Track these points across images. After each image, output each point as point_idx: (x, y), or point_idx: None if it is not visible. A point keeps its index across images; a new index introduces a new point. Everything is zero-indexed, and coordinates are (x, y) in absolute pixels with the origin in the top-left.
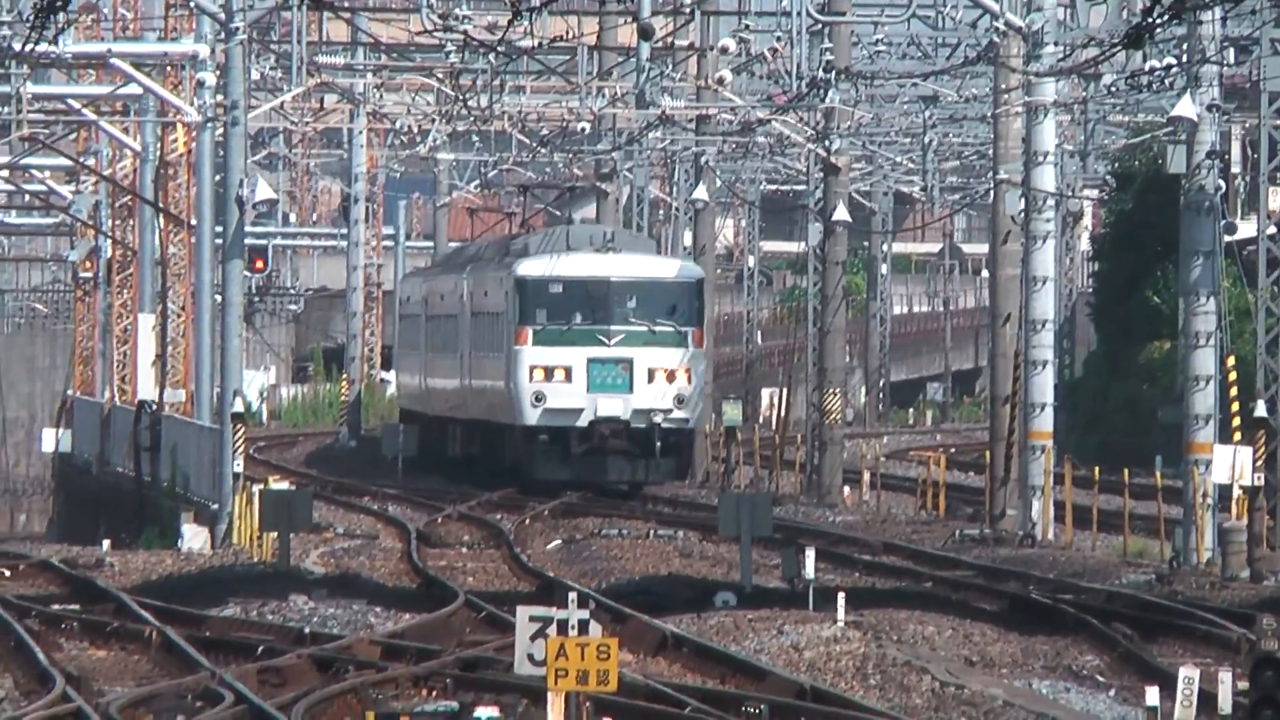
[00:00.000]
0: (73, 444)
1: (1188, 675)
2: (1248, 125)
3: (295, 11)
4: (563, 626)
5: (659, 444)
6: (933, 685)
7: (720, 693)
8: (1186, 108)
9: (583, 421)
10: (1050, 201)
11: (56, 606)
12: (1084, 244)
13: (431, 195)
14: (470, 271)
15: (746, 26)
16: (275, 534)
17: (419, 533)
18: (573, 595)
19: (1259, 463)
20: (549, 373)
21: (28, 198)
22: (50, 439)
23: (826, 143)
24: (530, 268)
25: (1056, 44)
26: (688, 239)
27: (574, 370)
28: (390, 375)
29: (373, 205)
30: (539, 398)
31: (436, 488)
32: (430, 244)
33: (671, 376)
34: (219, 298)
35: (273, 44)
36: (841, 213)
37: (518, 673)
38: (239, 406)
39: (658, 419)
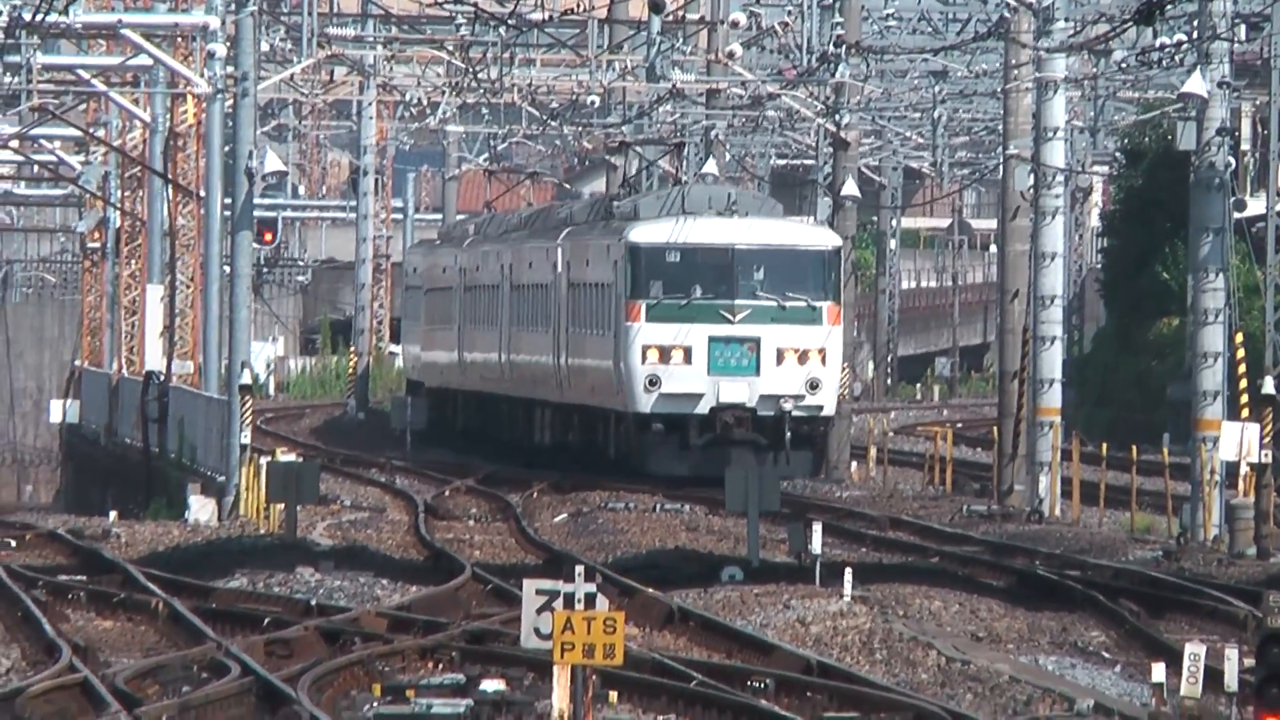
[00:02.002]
0: (80, 415)
1: (1194, 652)
2: (1258, 102)
3: None
4: (569, 600)
5: (789, 434)
6: (939, 660)
7: (726, 667)
8: (1197, 84)
9: (703, 408)
10: (1060, 177)
11: (63, 577)
12: (1093, 220)
13: (440, 168)
14: (528, 240)
15: (757, 1)
16: (282, 506)
17: (427, 505)
18: (579, 569)
19: (1266, 439)
20: (664, 353)
21: (37, 168)
22: (58, 410)
23: (836, 117)
24: (644, 233)
25: (1067, 20)
26: None
27: (693, 350)
28: (398, 348)
29: (382, 177)
30: (653, 381)
31: (445, 460)
32: (439, 216)
33: (804, 358)
34: (227, 269)
35: (283, 15)
36: (851, 187)
37: (524, 646)
38: (246, 378)
39: (788, 406)
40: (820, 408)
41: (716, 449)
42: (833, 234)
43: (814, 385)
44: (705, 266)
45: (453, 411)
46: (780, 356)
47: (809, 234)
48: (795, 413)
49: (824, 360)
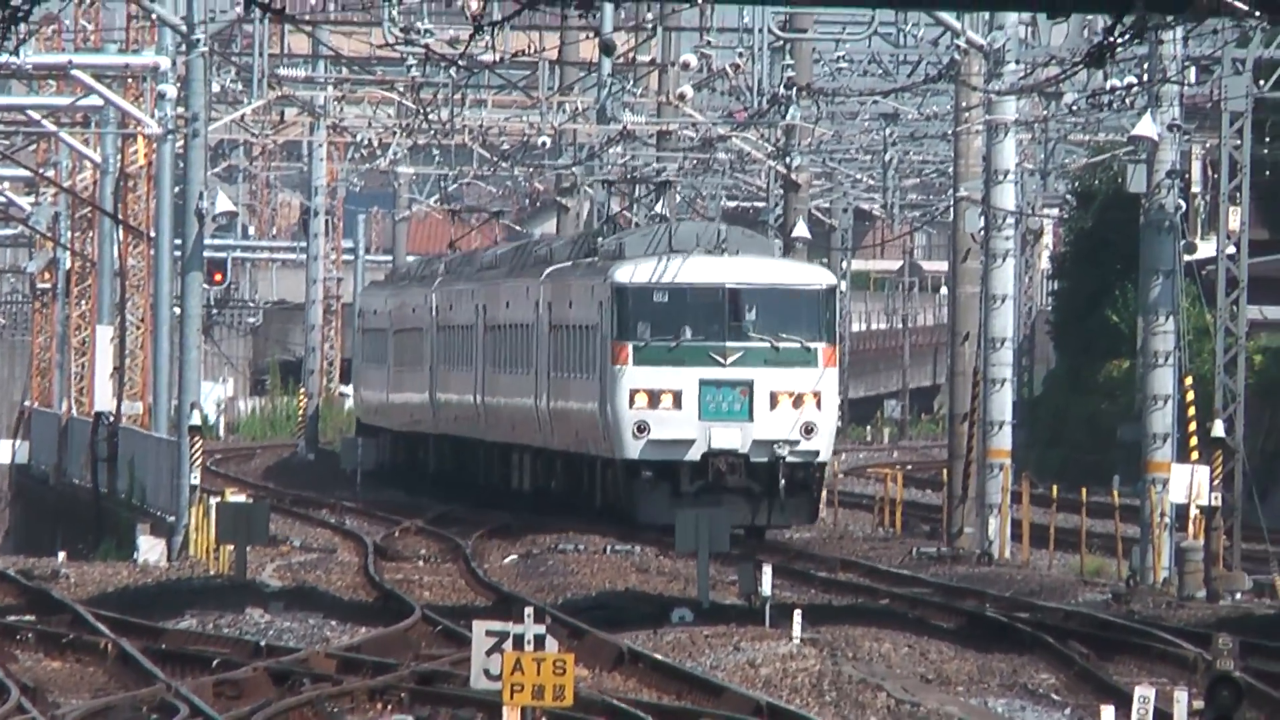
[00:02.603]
0: (30, 455)
1: (1143, 694)
2: (1208, 145)
3: (256, 24)
4: (519, 641)
5: (784, 481)
6: (888, 703)
7: (676, 709)
8: (1147, 127)
9: (694, 455)
10: (1010, 219)
11: (12, 618)
12: (1044, 262)
13: (391, 209)
14: (519, 277)
15: (708, 43)
16: (232, 546)
17: (376, 546)
18: (529, 610)
19: (1216, 482)
20: (654, 397)
21: None
22: (7, 450)
23: (787, 159)
24: (631, 273)
25: (1018, 62)
26: None
27: (684, 395)
28: (348, 389)
29: (332, 218)
30: (642, 427)
31: (394, 501)
32: (389, 257)
33: (799, 402)
34: (177, 310)
35: (234, 56)
36: (801, 229)
37: (474, 687)
38: (196, 419)
39: (783, 452)
40: (815, 453)
41: (708, 497)
42: (827, 273)
43: (809, 430)
44: (695, 307)
45: (424, 455)
46: (774, 400)
47: (802, 272)
48: (790, 459)
49: (819, 404)
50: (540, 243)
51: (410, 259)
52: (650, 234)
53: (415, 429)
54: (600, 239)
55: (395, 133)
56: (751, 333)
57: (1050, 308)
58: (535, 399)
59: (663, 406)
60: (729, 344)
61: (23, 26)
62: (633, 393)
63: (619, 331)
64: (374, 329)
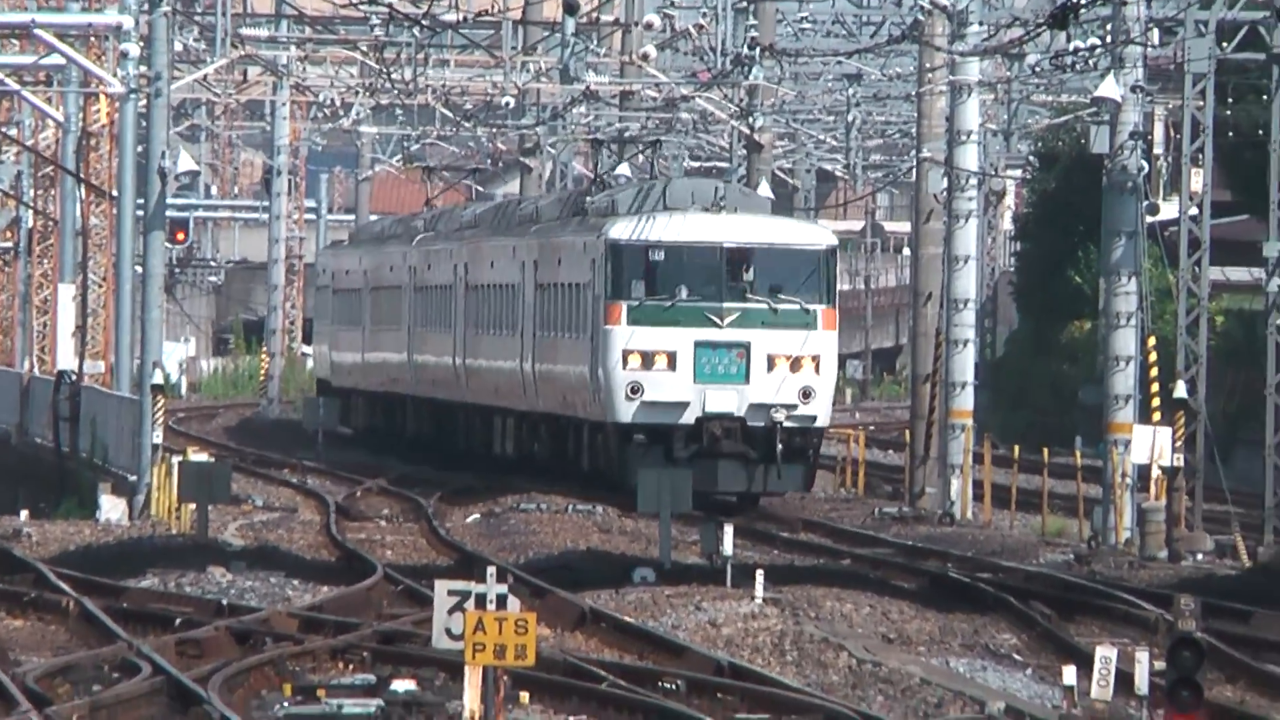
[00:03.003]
0: None
1: (1105, 655)
2: (1171, 106)
3: None
4: (481, 601)
5: (781, 447)
6: (850, 662)
7: (638, 668)
8: (1110, 88)
9: (688, 418)
10: (973, 180)
11: None
12: (1006, 223)
13: (354, 169)
14: (506, 234)
15: (671, 3)
16: (194, 506)
17: (338, 506)
18: (491, 569)
19: (1178, 443)
20: (647, 359)
21: None
22: None
23: (750, 120)
24: (624, 230)
25: (981, 23)
26: None
27: (678, 356)
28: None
29: (295, 178)
30: (635, 389)
31: (356, 461)
32: (352, 217)
33: (797, 365)
34: (140, 269)
35: (197, 15)
36: (764, 189)
37: (435, 646)
38: (158, 378)
39: (779, 416)
40: (814, 418)
41: (703, 462)
42: (827, 232)
43: (807, 394)
44: (691, 266)
45: (400, 417)
46: (771, 363)
47: (802, 231)
48: (787, 424)
49: (818, 368)
50: (525, 201)
51: (373, 218)
52: (644, 190)
53: (392, 390)
54: (589, 197)
55: (358, 92)
56: (749, 293)
57: (1013, 269)
58: (520, 361)
59: (657, 368)
60: (726, 304)
61: None
62: (626, 354)
63: (612, 290)
64: (346, 289)
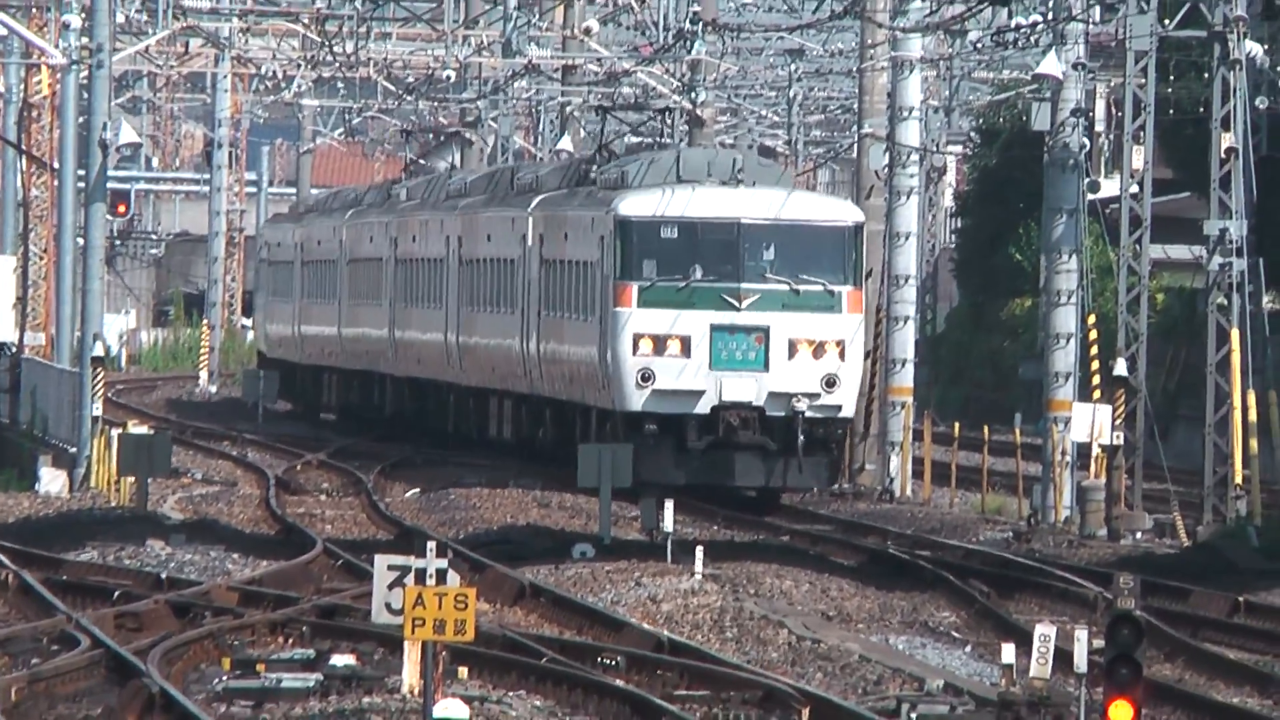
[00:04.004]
0: None
1: (1043, 632)
2: (1112, 84)
3: None
4: (420, 575)
5: (802, 438)
6: (789, 639)
7: (578, 644)
8: (1052, 65)
9: (703, 407)
10: (914, 157)
11: None
12: (947, 200)
13: (295, 141)
14: (513, 206)
15: None
16: (133, 478)
17: (278, 479)
18: (431, 544)
19: (1118, 421)
20: (659, 343)
21: None
22: None
23: (692, 94)
24: (636, 205)
25: None
26: None
27: (692, 341)
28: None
29: (236, 150)
30: (646, 376)
31: (296, 434)
32: (293, 190)
33: (820, 351)
34: (81, 241)
35: None
36: None
37: (375, 621)
38: (99, 350)
39: (801, 406)
40: (838, 408)
41: (718, 454)
42: (853, 208)
43: (830, 382)
44: (707, 244)
45: (379, 397)
46: (793, 349)
47: (827, 207)
48: (809, 413)
49: (842, 354)
50: (523, 169)
51: (315, 191)
52: (655, 162)
53: (370, 367)
54: (595, 166)
55: (300, 65)
56: (769, 273)
57: (953, 245)
58: (522, 341)
59: (669, 354)
60: (744, 285)
61: None
62: (636, 338)
63: (622, 270)
64: (318, 260)
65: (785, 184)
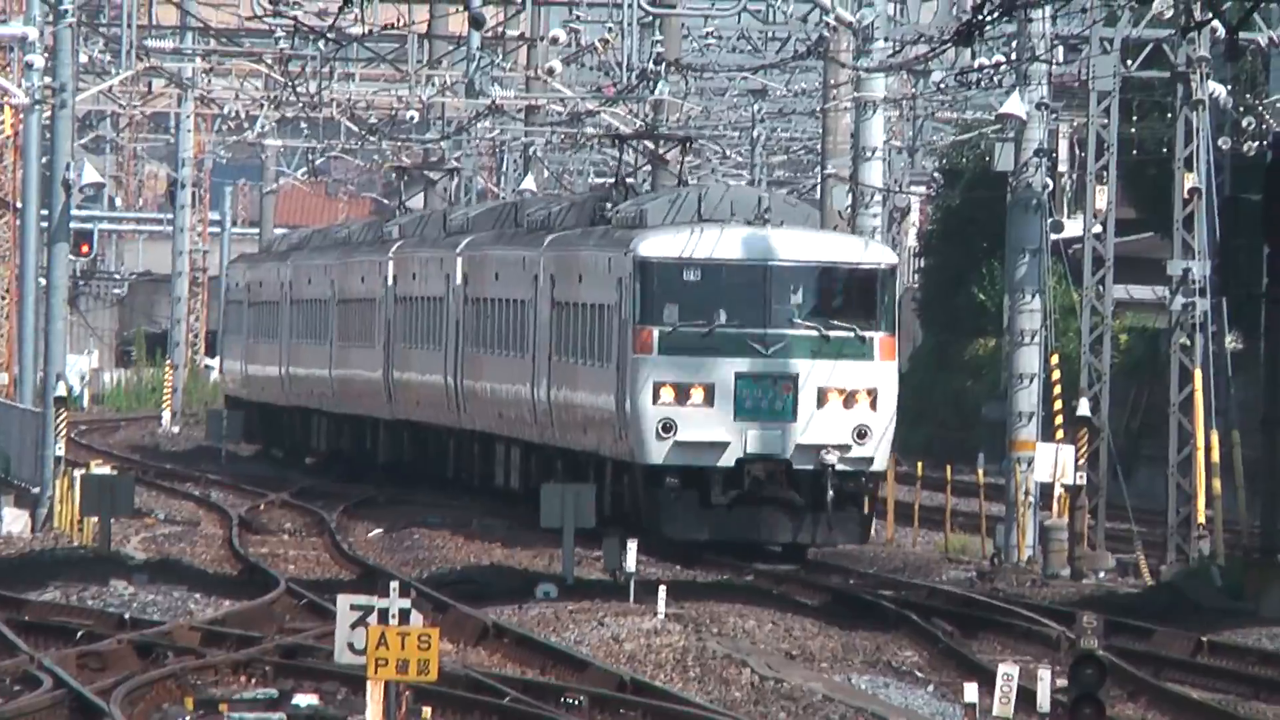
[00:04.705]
0: None
1: (1007, 672)
2: (1075, 124)
3: None
4: (383, 615)
5: (831, 493)
6: (752, 679)
7: (541, 683)
8: (1015, 105)
9: (727, 460)
10: (878, 197)
11: None
12: (911, 240)
13: (258, 181)
14: (522, 245)
15: (577, 17)
16: (96, 518)
17: (241, 519)
18: (394, 584)
19: (1081, 461)
20: (682, 392)
21: None
22: None
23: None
24: (656, 246)
25: (886, 39)
26: None
27: (716, 390)
28: (213, 361)
29: (199, 190)
30: (667, 427)
31: (259, 474)
32: (256, 230)
33: (851, 400)
34: (44, 281)
35: (101, 27)
36: None
37: (338, 661)
38: (61, 390)
39: (831, 459)
40: (869, 460)
41: (744, 509)
42: (886, 249)
43: (862, 434)
44: (732, 287)
45: (372, 441)
46: (822, 398)
47: (858, 248)
48: (839, 467)
49: (874, 404)
50: (531, 205)
51: (279, 231)
52: (675, 200)
53: (359, 411)
54: (609, 203)
55: (263, 105)
56: (797, 318)
57: (916, 285)
58: (532, 387)
59: (692, 403)
60: (770, 331)
61: None
62: (657, 386)
63: (642, 314)
64: (306, 299)
65: (813, 224)
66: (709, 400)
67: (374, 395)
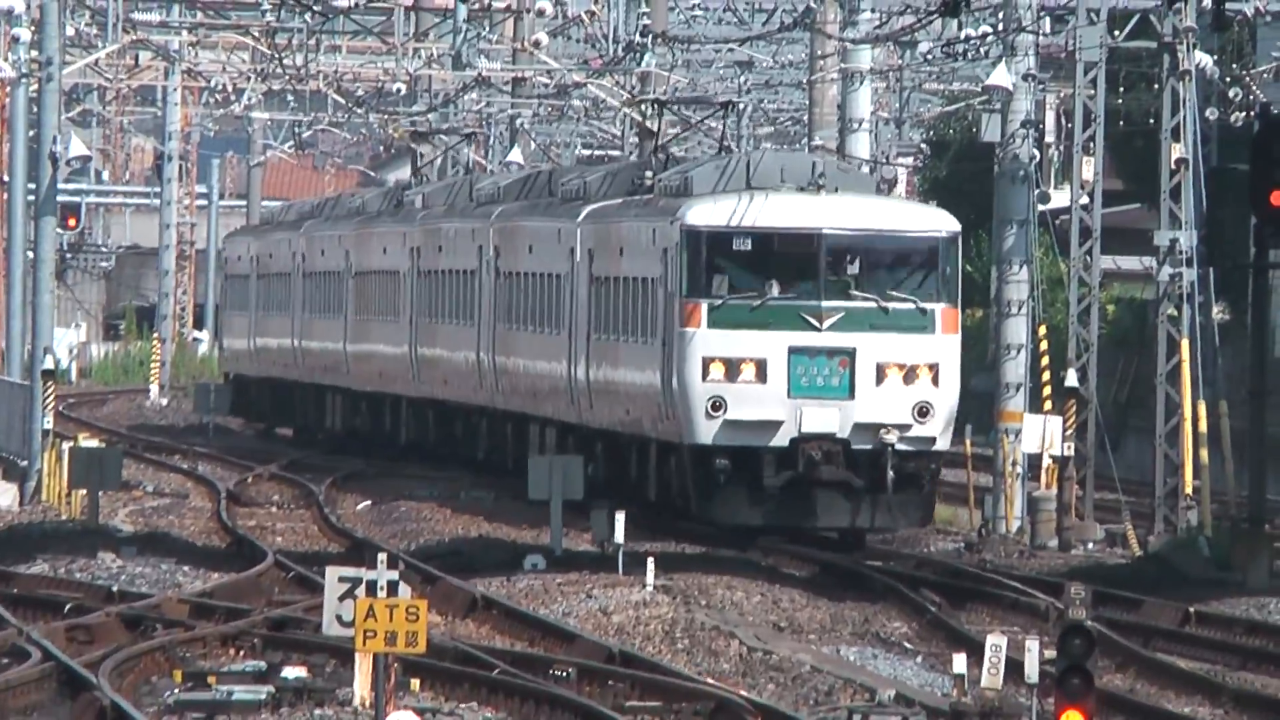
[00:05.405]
0: None
1: (995, 643)
2: (1062, 95)
3: None
4: (372, 587)
5: (892, 474)
6: (741, 650)
7: (529, 655)
8: (1002, 76)
9: (781, 440)
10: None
11: None
12: None
13: (245, 154)
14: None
15: None
16: (85, 491)
17: (229, 492)
18: (382, 556)
19: (1069, 432)
20: (731, 368)
21: None
22: None
23: (642, 106)
24: (703, 214)
25: (873, 11)
26: None
27: (769, 365)
28: (201, 334)
29: (186, 164)
30: (716, 405)
31: (247, 447)
32: (244, 203)
33: (911, 376)
34: (31, 254)
35: (88, 0)
36: None
37: (326, 633)
38: (49, 364)
39: (890, 438)
40: (931, 440)
41: (798, 492)
42: (948, 216)
43: (923, 412)
44: (784, 257)
45: (394, 420)
46: (881, 374)
47: (918, 215)
48: (899, 446)
49: (936, 379)
50: (565, 174)
51: (267, 204)
52: (723, 166)
53: (382, 388)
54: (650, 171)
55: (250, 78)
56: (854, 290)
57: None
58: (570, 365)
59: (743, 379)
60: (826, 303)
61: None
62: (706, 362)
63: (690, 286)
64: (319, 271)
65: (869, 190)
66: (761, 377)
67: (397, 372)
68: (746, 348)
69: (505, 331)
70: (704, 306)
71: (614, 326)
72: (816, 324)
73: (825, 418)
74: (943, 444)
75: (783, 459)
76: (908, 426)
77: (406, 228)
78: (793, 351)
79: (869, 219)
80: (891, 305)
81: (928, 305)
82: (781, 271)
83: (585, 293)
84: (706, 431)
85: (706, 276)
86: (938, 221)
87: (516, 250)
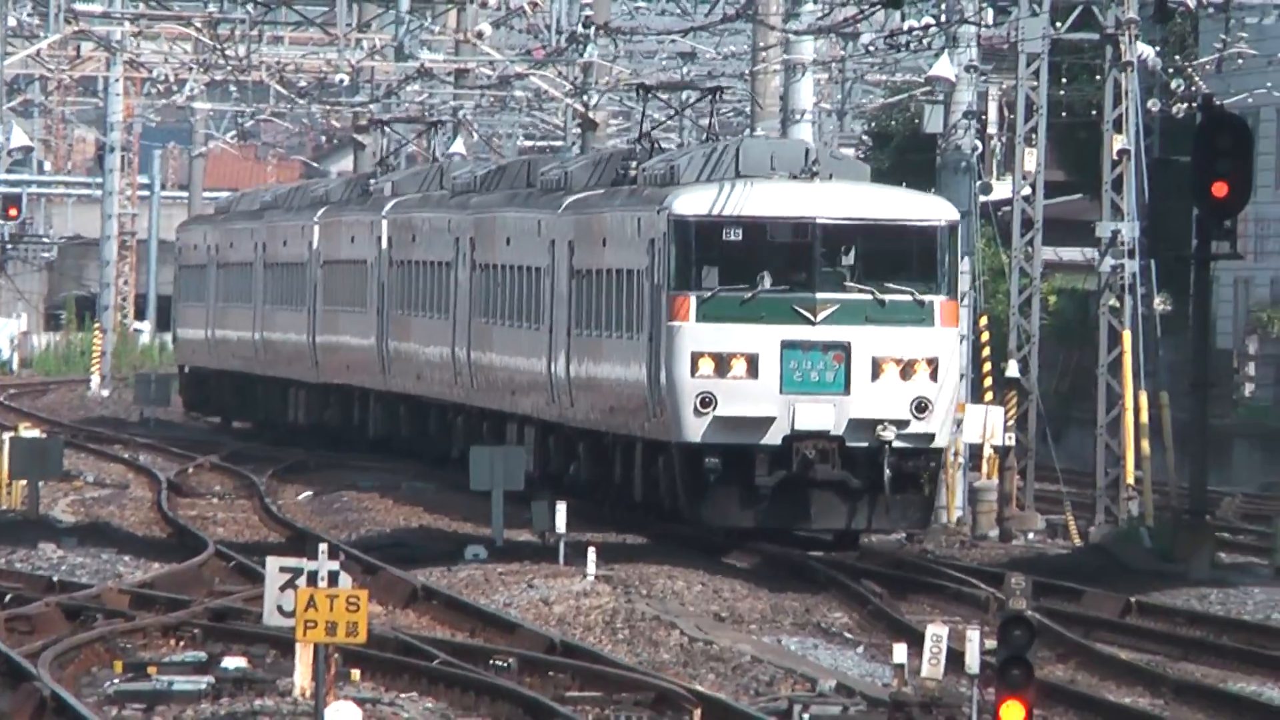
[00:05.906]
0: None
1: (935, 633)
2: (1005, 86)
3: None
4: (312, 578)
5: (889, 473)
6: (681, 640)
7: (470, 646)
8: (944, 68)
9: (773, 438)
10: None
11: None
12: None
13: (187, 145)
14: (547, 204)
15: None
16: (25, 482)
17: (170, 482)
18: (323, 546)
19: (1010, 422)
20: (721, 363)
21: None
22: None
23: (584, 98)
24: (691, 203)
25: (815, 2)
26: None
27: (760, 360)
28: (143, 325)
29: (128, 154)
30: (706, 401)
31: (188, 437)
32: (185, 194)
33: (909, 371)
34: None
35: None
36: None
37: (267, 623)
38: None
39: (888, 435)
40: (930, 437)
41: (792, 492)
42: (946, 204)
43: (921, 407)
44: (776, 247)
45: (361, 415)
46: (877, 369)
47: (915, 203)
48: (897, 443)
49: (935, 374)
50: (544, 164)
51: (209, 196)
52: (710, 154)
53: (350, 382)
54: (634, 161)
55: (192, 68)
56: (849, 281)
57: None
58: (550, 361)
59: (733, 375)
60: (820, 295)
61: None
62: (695, 357)
63: (678, 278)
64: (281, 263)
65: (864, 177)
66: (752, 372)
67: (366, 365)
68: (737, 341)
69: (482, 326)
70: (693, 299)
71: (597, 321)
72: (810, 317)
73: (819, 414)
74: (942, 441)
75: (775, 458)
76: (906, 423)
77: (375, 216)
78: (785, 345)
79: (864, 207)
80: (888, 297)
81: (926, 297)
82: (773, 262)
83: (566, 286)
84: (695, 429)
85: (695, 268)
86: (936, 210)
87: (494, 242)
